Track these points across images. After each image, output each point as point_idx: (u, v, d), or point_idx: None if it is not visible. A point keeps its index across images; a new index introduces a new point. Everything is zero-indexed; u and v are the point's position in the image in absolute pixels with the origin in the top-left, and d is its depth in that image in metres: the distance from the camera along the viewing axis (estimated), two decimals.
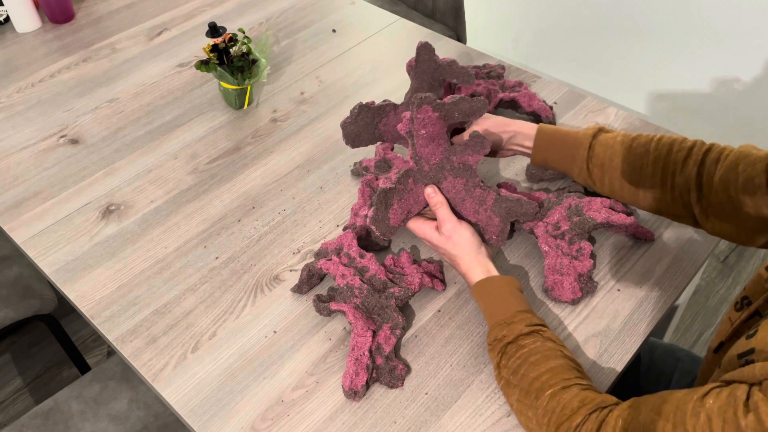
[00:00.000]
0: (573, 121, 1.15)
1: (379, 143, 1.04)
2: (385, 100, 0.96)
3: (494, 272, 0.82)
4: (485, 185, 0.86)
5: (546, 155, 0.92)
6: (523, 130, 0.92)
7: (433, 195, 0.86)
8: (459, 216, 0.87)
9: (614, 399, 0.67)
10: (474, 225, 0.87)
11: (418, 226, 0.87)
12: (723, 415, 0.55)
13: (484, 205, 0.86)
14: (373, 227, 0.84)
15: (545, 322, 0.78)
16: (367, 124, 0.95)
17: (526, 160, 1.07)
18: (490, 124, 0.93)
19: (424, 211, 0.90)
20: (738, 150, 0.79)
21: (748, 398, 0.55)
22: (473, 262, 0.83)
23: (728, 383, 0.58)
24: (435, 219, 0.87)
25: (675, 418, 0.59)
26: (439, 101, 0.84)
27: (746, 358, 0.61)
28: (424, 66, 0.95)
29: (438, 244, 0.85)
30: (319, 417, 0.78)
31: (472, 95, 1.14)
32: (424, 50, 0.94)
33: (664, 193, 0.83)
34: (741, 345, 0.63)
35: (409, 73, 1.01)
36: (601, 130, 0.89)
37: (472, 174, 0.86)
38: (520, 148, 0.94)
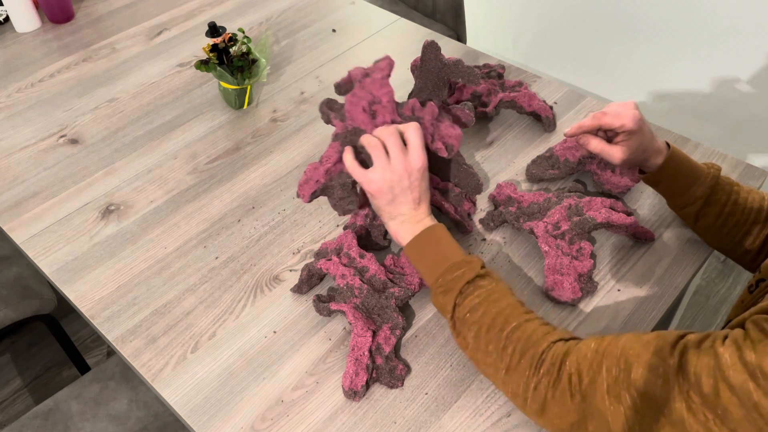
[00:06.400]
0: (573, 121, 1.15)
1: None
2: None
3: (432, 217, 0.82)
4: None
5: (663, 177, 0.88)
6: (660, 147, 0.87)
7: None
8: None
9: (573, 334, 0.70)
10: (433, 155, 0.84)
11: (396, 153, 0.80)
12: (699, 345, 0.58)
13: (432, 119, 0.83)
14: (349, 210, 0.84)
15: None
16: None
17: (526, 160, 1.07)
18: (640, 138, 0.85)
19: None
20: None
21: (728, 334, 0.58)
22: (426, 208, 0.81)
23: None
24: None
25: (656, 346, 0.60)
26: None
27: (751, 309, 0.62)
28: (429, 65, 0.94)
29: (408, 174, 0.79)
30: (319, 417, 0.78)
31: (473, 95, 1.14)
32: (430, 49, 0.94)
33: (735, 240, 0.86)
34: (749, 314, 0.64)
35: (413, 73, 1.00)
36: (719, 171, 0.87)
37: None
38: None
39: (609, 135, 0.87)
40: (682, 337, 0.60)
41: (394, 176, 0.79)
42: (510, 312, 0.71)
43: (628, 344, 0.62)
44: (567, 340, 0.68)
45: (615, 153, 0.85)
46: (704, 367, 0.56)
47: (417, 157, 0.79)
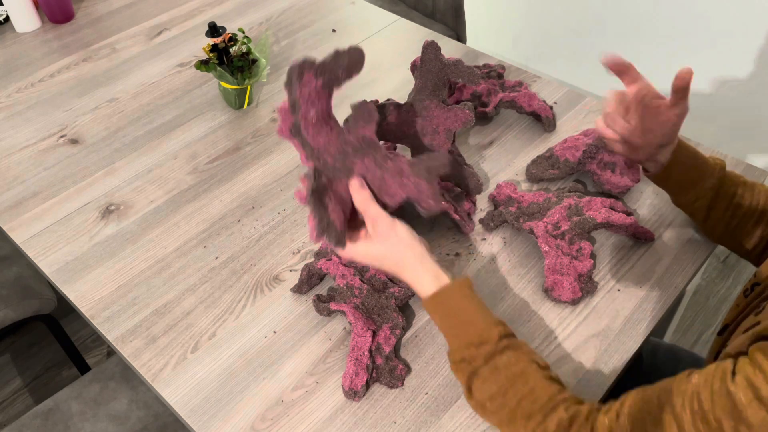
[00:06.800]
0: (573, 121, 1.15)
1: (381, 142, 1.04)
2: (388, 100, 0.96)
3: (444, 277, 0.73)
4: (390, 153, 0.74)
5: (674, 171, 0.85)
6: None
7: (360, 190, 0.74)
8: (388, 197, 0.74)
9: (596, 404, 0.66)
10: (407, 200, 0.75)
11: (345, 248, 0.75)
12: (711, 387, 0.56)
13: (404, 175, 0.73)
14: (325, 241, 0.72)
15: (505, 323, 0.72)
16: None
17: (526, 160, 1.07)
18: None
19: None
20: None
21: (734, 367, 0.56)
22: (418, 269, 0.73)
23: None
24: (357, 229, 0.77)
25: (661, 399, 0.59)
26: (318, 61, 0.71)
27: (752, 330, 0.61)
28: (429, 65, 0.94)
29: (377, 254, 0.73)
30: (319, 417, 0.78)
31: (473, 95, 1.14)
32: (430, 49, 0.93)
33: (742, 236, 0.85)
34: (749, 321, 0.64)
35: (413, 73, 1.00)
36: (724, 162, 0.86)
37: (376, 146, 0.73)
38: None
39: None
40: (688, 376, 0.59)
41: (380, 258, 0.75)
42: (531, 401, 0.66)
43: (635, 407, 0.61)
44: (588, 417, 0.64)
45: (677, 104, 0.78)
46: (722, 411, 0.54)
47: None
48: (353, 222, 0.77)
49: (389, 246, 0.73)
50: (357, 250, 0.74)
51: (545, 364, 0.70)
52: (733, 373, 0.56)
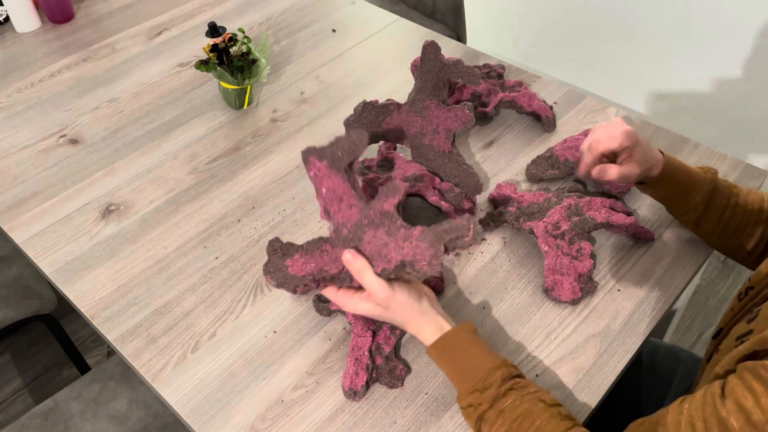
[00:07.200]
0: (573, 121, 1.15)
1: (381, 142, 1.04)
2: (388, 100, 0.96)
3: (446, 326, 0.74)
4: (409, 225, 0.74)
5: (662, 186, 0.87)
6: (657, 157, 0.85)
7: (352, 261, 0.73)
8: (385, 262, 0.73)
9: None
10: (402, 263, 0.73)
11: (346, 302, 0.75)
12: (702, 414, 0.56)
13: (409, 239, 0.73)
14: (267, 277, 0.78)
15: (512, 362, 0.73)
16: (370, 122, 0.95)
17: (526, 160, 1.07)
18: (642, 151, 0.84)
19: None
20: None
21: (723, 389, 0.56)
22: (420, 324, 0.74)
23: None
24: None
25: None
26: (318, 147, 0.77)
27: (742, 339, 0.61)
28: (429, 65, 0.94)
29: (379, 314, 0.75)
30: (319, 417, 0.78)
31: (473, 95, 1.14)
32: (430, 49, 0.94)
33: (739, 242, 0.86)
34: (740, 328, 0.64)
35: (413, 73, 1.00)
36: (716, 174, 0.86)
37: (393, 218, 0.74)
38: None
39: (611, 158, 0.85)
40: (680, 404, 0.59)
41: (384, 318, 0.77)
42: None
43: None
44: None
45: (630, 170, 0.82)
46: None
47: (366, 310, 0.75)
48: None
49: (390, 310, 0.74)
50: (359, 308, 0.75)
51: (554, 401, 0.69)
52: (723, 396, 0.55)
